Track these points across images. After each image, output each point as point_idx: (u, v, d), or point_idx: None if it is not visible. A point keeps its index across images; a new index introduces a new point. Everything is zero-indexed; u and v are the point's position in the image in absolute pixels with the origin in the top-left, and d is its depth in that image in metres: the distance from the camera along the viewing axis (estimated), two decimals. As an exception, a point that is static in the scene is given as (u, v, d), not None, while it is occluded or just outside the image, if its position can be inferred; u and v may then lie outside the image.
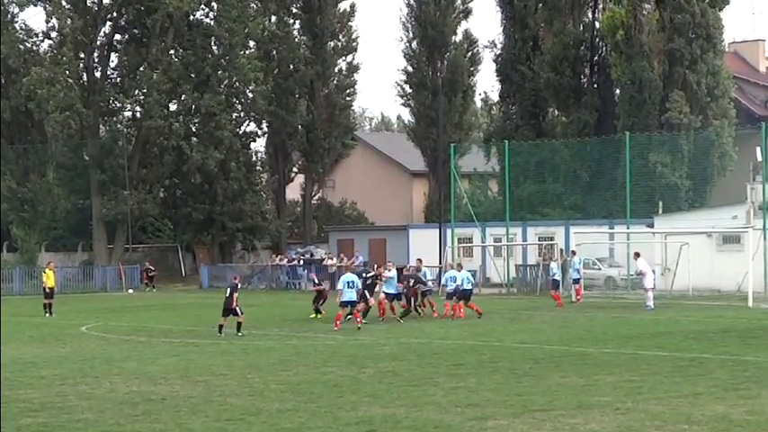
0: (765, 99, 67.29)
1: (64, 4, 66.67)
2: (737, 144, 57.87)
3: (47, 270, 44.25)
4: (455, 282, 36.56)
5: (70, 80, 67.01)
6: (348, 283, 33.05)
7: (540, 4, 66.16)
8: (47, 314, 41.27)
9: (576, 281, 44.93)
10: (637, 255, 41.80)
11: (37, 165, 73.59)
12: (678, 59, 58.19)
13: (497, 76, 68.89)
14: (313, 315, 37.18)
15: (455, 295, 36.51)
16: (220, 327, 30.79)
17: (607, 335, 29.14)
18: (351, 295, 32.97)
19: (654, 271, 39.98)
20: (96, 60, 70.01)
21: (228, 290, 31.15)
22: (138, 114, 71.27)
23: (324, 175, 79.97)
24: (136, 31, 70.56)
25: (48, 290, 42.53)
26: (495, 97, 74.41)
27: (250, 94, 71.57)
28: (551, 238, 55.75)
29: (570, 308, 40.90)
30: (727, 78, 59.12)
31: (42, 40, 69.98)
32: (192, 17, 70.20)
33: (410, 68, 74.97)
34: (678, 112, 57.27)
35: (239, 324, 30.77)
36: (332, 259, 62.24)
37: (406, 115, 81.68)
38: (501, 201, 61.77)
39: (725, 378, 19.73)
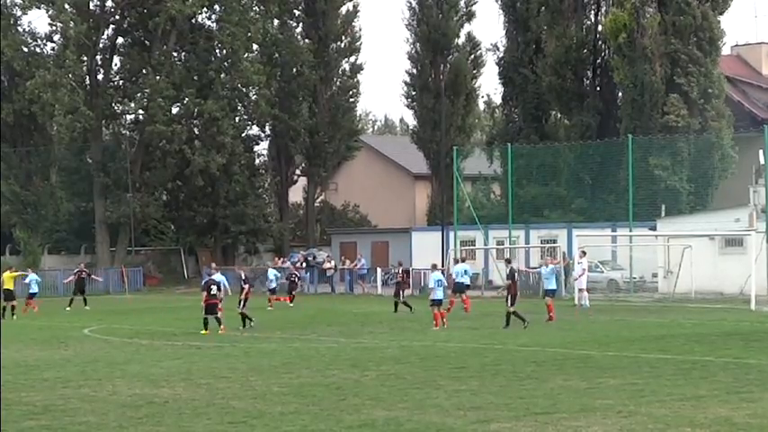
0: (768, 102, 67.18)
1: (67, 7, 66.57)
2: (740, 147, 57.77)
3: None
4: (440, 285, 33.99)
5: (74, 83, 66.97)
6: (437, 281, 33.66)
7: (543, 8, 66.13)
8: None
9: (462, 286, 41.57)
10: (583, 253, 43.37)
11: (40, 168, 73.56)
12: (673, 62, 58.16)
13: (500, 78, 68.95)
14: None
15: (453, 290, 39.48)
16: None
17: (609, 338, 29.12)
18: (439, 294, 33.50)
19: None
20: (99, 63, 69.99)
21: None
22: (140, 118, 71.26)
23: (327, 177, 79.95)
24: (138, 34, 70.52)
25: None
26: (497, 100, 74.54)
27: (253, 98, 71.53)
28: (554, 241, 55.75)
29: (572, 311, 40.85)
30: (718, 78, 58.96)
31: (45, 44, 70.03)
32: (194, 20, 70.17)
33: (413, 71, 75.01)
34: (676, 115, 57.24)
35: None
36: (330, 262, 62.28)
37: (410, 118, 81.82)
38: (504, 203, 61.76)
39: (727, 381, 19.70)
